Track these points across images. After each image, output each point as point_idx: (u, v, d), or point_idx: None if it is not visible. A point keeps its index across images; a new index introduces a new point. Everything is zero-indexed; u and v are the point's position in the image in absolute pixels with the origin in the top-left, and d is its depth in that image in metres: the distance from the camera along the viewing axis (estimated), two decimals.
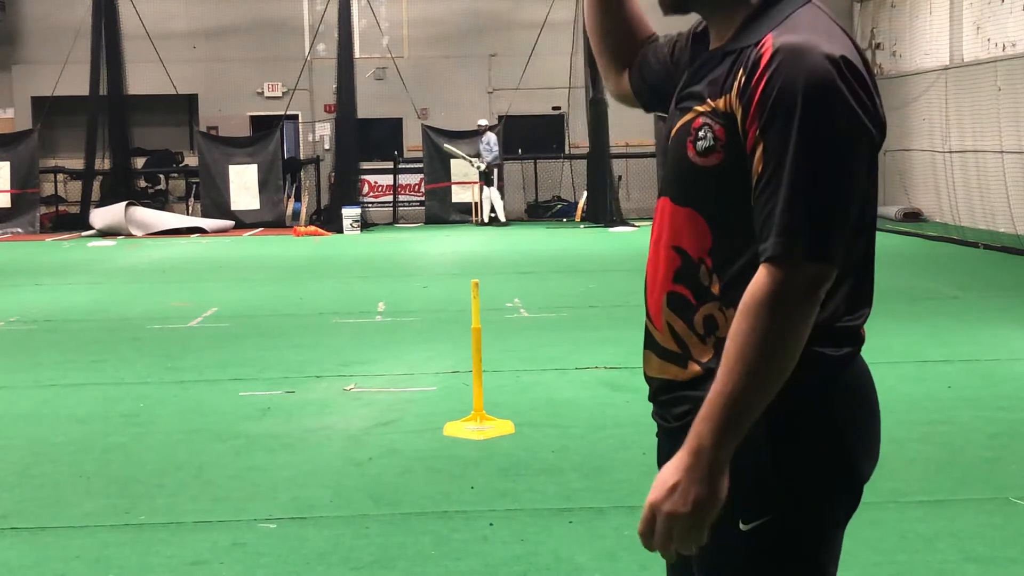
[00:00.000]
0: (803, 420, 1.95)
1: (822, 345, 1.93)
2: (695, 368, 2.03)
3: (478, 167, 23.63)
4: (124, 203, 22.77)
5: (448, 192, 24.86)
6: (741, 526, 1.96)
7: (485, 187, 23.73)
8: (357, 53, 24.30)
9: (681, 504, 1.89)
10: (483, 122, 24.10)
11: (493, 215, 23.56)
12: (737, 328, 1.87)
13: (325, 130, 26.60)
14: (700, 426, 1.88)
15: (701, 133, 1.97)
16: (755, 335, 1.85)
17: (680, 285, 2.04)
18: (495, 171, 23.59)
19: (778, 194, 1.86)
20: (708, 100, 1.98)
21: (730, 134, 1.93)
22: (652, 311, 2.14)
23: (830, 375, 1.97)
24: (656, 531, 1.94)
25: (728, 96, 1.94)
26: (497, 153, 23.55)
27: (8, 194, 23.79)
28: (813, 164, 1.85)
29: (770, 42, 1.90)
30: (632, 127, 25.16)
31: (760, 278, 1.86)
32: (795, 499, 1.96)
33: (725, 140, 1.94)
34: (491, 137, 23.66)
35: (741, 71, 1.92)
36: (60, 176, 25.51)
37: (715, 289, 1.99)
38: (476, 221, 23.96)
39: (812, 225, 1.85)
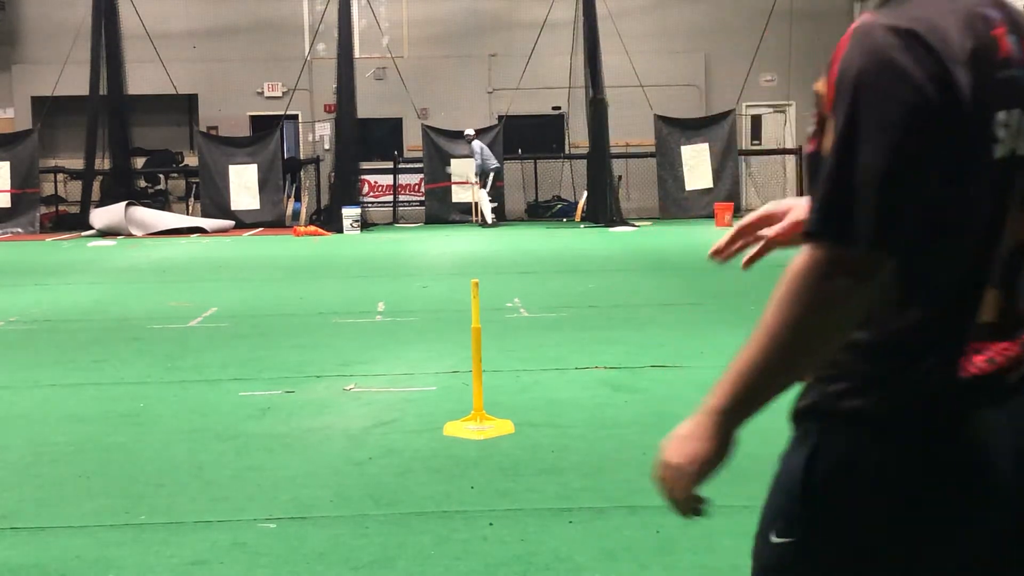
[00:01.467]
0: (832, 457, 1.84)
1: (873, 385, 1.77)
2: None
3: (475, 182, 23.71)
4: (124, 203, 22.78)
5: (448, 192, 24.87)
6: (772, 537, 1.92)
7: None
8: (357, 53, 24.31)
9: (676, 453, 1.87)
10: (470, 132, 24.06)
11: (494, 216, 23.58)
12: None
13: (325, 130, 26.62)
14: (716, 386, 1.85)
15: (811, 119, 1.93)
16: (775, 305, 1.78)
17: None
18: (491, 175, 23.58)
19: (825, 170, 1.79)
20: (816, 84, 1.91)
21: (822, 118, 1.87)
22: None
23: (877, 416, 1.80)
24: (659, 475, 1.91)
25: (826, 78, 1.87)
26: (480, 163, 23.47)
27: (8, 194, 23.81)
28: (855, 141, 1.74)
29: (857, 21, 1.83)
30: (632, 127, 25.20)
31: (799, 253, 1.81)
32: (815, 533, 1.87)
33: (819, 125, 1.87)
34: (475, 146, 23.63)
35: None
36: (60, 176, 25.53)
37: None
38: (476, 221, 23.96)
39: (840, 201, 1.74)
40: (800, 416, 1.91)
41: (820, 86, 1.86)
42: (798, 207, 2.17)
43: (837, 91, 1.78)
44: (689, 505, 1.91)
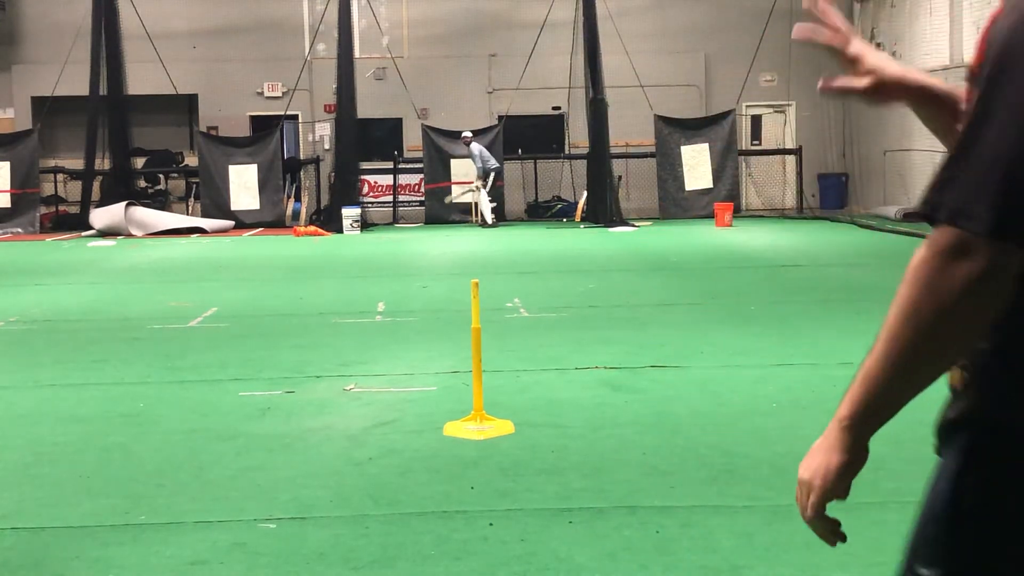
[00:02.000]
0: (983, 474, 1.67)
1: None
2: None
3: (476, 187, 23.67)
4: (124, 203, 22.78)
5: (448, 192, 24.86)
6: (920, 568, 1.76)
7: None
8: (357, 53, 24.31)
9: (805, 468, 1.79)
10: (467, 134, 24.03)
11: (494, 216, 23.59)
12: None
13: (325, 130, 26.61)
14: (846, 392, 1.73)
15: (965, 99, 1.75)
16: (895, 301, 1.63)
17: None
18: (491, 175, 23.57)
19: (953, 146, 1.61)
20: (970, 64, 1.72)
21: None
22: None
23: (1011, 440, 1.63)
24: (797, 495, 1.83)
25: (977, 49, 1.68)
26: (480, 166, 23.45)
27: (8, 194, 23.81)
28: (987, 116, 1.56)
29: None
30: (632, 127, 25.19)
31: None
32: (964, 561, 1.71)
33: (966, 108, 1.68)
34: (473, 148, 23.60)
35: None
36: (60, 176, 25.53)
37: None
38: (475, 221, 23.96)
39: (963, 182, 1.55)
40: (947, 429, 1.73)
41: (972, 60, 1.67)
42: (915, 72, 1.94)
43: (984, 61, 1.60)
44: (822, 526, 1.80)
